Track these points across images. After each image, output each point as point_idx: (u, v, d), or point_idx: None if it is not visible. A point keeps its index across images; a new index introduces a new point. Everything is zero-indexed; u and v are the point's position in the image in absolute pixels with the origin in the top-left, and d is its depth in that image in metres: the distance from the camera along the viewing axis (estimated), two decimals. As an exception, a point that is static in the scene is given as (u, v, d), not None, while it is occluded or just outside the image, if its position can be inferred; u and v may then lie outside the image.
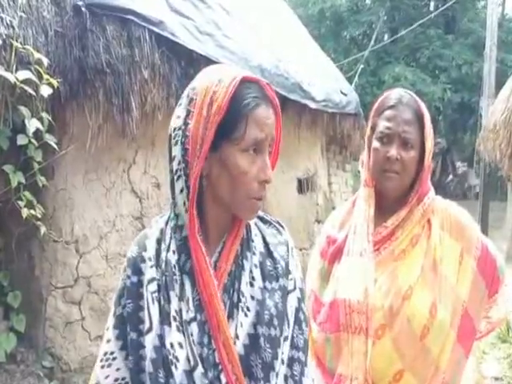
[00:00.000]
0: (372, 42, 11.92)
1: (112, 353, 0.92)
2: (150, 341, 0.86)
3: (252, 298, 0.88)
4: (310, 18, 13.04)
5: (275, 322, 0.88)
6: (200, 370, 0.83)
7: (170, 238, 0.91)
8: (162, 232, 0.93)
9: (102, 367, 0.93)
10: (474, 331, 1.34)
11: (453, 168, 16.81)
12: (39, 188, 2.58)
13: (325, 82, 5.13)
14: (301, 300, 0.95)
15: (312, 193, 5.39)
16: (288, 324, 0.90)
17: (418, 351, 1.23)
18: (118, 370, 0.92)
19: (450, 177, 16.51)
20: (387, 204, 1.31)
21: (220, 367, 0.85)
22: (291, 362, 0.91)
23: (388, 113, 1.29)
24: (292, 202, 4.97)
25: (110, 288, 3.04)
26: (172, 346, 0.84)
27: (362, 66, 11.20)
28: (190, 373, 0.83)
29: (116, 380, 0.92)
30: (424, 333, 1.22)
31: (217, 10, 3.76)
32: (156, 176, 3.32)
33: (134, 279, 0.92)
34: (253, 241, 0.93)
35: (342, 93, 5.36)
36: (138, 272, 0.92)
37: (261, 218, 0.99)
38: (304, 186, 5.27)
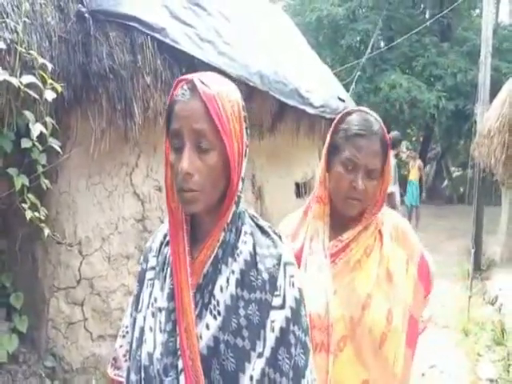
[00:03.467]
0: (368, 50, 12.02)
1: (126, 326, 1.04)
2: (138, 321, 0.96)
3: (224, 302, 0.88)
4: (307, 27, 13.12)
5: (244, 333, 0.86)
6: (157, 354, 0.89)
7: None
8: None
9: (120, 336, 1.06)
10: (417, 333, 1.39)
11: (447, 173, 16.93)
12: (43, 191, 2.61)
13: (322, 88, 5.20)
14: (291, 321, 0.89)
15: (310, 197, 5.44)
16: (264, 340, 0.87)
17: (378, 360, 1.24)
18: (129, 342, 1.02)
19: (445, 182, 16.62)
20: (341, 219, 1.34)
21: (179, 353, 0.86)
22: None
23: (357, 141, 1.27)
24: (290, 206, 5.00)
25: (112, 289, 3.07)
26: (147, 328, 0.93)
27: (358, 74, 11.29)
28: (151, 355, 0.90)
29: (127, 351, 1.03)
30: (382, 340, 1.24)
31: (217, 18, 3.82)
32: (158, 179, 3.36)
33: (144, 266, 1.02)
34: (238, 247, 0.91)
35: (339, 99, 5.43)
36: (146, 260, 1.02)
37: (260, 228, 0.96)
38: (302, 190, 5.33)
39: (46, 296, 2.84)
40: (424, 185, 10.39)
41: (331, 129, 1.36)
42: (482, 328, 4.44)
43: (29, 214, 2.45)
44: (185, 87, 0.89)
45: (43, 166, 2.55)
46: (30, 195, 2.50)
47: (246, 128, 0.93)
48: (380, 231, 1.35)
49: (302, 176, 5.32)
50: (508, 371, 3.70)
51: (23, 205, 2.45)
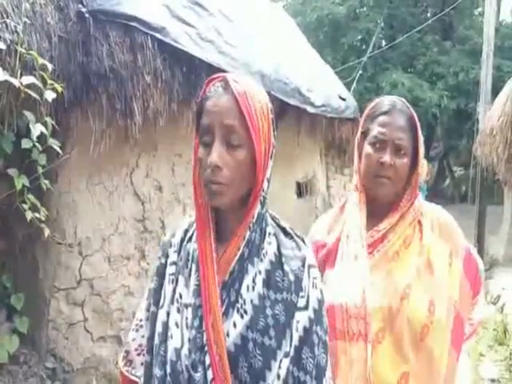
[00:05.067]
0: (370, 49, 12.00)
1: (141, 320, 1.05)
2: (160, 316, 0.95)
3: (251, 302, 0.90)
4: (308, 26, 13.12)
5: (271, 332, 0.88)
6: (185, 350, 0.89)
7: (194, 229, 1.00)
8: (190, 224, 1.03)
9: (133, 330, 1.06)
10: (463, 334, 1.34)
11: (450, 172, 16.90)
12: (43, 191, 2.60)
13: (323, 87, 5.19)
14: (315, 322, 0.91)
15: (311, 196, 5.44)
16: (291, 340, 0.89)
17: (420, 352, 1.21)
18: (142, 336, 1.03)
19: (447, 181, 16.59)
20: (378, 208, 1.31)
21: (206, 349, 0.87)
22: (296, 383, 0.89)
23: (382, 118, 1.28)
24: (291, 206, 5.01)
25: (112, 290, 3.07)
26: (172, 324, 0.93)
27: (360, 72, 11.27)
28: (178, 351, 0.90)
29: (140, 345, 1.04)
30: (424, 332, 1.21)
31: (218, 17, 3.81)
32: (158, 179, 3.36)
33: (163, 260, 1.02)
34: (263, 248, 0.93)
35: (340, 98, 5.43)
36: (166, 255, 1.02)
37: (283, 230, 0.99)
38: (303, 189, 5.32)
39: (47, 297, 2.84)
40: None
41: (362, 118, 1.37)
42: (484, 328, 4.42)
43: (29, 215, 2.44)
44: (217, 84, 0.92)
45: (43, 166, 2.54)
46: (30, 196, 2.49)
47: (274, 130, 0.95)
48: (420, 221, 1.31)
49: (303, 175, 5.31)
50: (510, 371, 3.69)
51: (23, 205, 2.45)
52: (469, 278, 1.35)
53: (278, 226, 0.99)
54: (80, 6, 2.73)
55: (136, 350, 1.05)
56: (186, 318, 0.92)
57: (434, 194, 14.37)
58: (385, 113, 1.29)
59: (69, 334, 2.91)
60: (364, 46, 14.05)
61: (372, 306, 1.21)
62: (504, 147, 5.61)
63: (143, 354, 1.00)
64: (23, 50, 2.36)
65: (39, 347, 2.83)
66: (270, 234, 0.95)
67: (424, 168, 9.76)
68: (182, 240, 1.01)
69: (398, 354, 1.21)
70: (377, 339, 1.21)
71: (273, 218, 1.00)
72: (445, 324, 1.25)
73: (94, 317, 3.00)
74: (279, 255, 0.94)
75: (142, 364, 1.01)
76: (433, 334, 1.22)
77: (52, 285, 2.86)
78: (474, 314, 1.39)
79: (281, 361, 0.87)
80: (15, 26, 2.37)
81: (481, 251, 6.73)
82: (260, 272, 0.91)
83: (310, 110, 4.55)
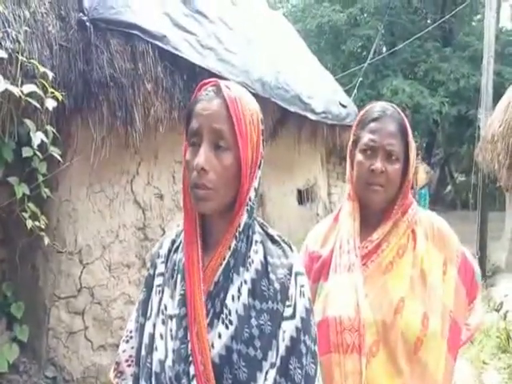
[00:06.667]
0: (370, 56, 12.02)
1: (131, 331, 1.04)
2: (147, 328, 0.95)
3: (236, 312, 0.88)
4: (308, 33, 13.16)
5: (256, 343, 0.86)
6: (169, 362, 0.88)
7: (181, 239, 0.98)
8: (177, 234, 1.02)
9: (123, 341, 1.05)
10: (460, 340, 1.34)
11: (451, 179, 16.88)
12: (43, 199, 2.60)
13: (324, 94, 5.20)
14: (302, 331, 0.89)
15: (312, 203, 5.43)
16: (277, 351, 0.87)
17: (414, 365, 1.20)
18: (132, 347, 1.02)
19: (449, 187, 16.57)
20: (371, 217, 1.30)
21: (190, 359, 0.86)
22: None
23: (372, 125, 1.27)
24: (292, 213, 5.00)
25: (112, 298, 3.05)
26: (157, 336, 0.92)
27: (360, 79, 11.27)
28: (162, 363, 0.89)
29: (130, 356, 1.03)
30: (417, 345, 1.20)
31: (218, 25, 3.83)
32: (159, 187, 3.35)
33: (151, 272, 1.01)
34: (249, 257, 0.91)
35: (341, 105, 5.44)
36: (154, 266, 1.01)
37: (271, 237, 0.97)
38: (304, 196, 5.32)
39: (47, 305, 2.83)
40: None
41: (354, 124, 1.36)
42: (487, 335, 4.38)
43: (29, 223, 2.44)
44: (209, 88, 0.92)
45: (44, 174, 2.54)
46: (30, 204, 2.48)
47: (263, 140, 0.94)
48: (413, 230, 1.29)
49: (304, 182, 5.31)
50: (514, 379, 3.65)
51: (24, 214, 2.44)
52: (464, 284, 1.34)
53: (266, 233, 0.97)
54: (81, 14, 2.74)
55: (126, 361, 1.04)
56: (171, 330, 0.90)
57: (435, 200, 14.38)
58: (375, 119, 1.28)
59: (69, 343, 2.89)
60: (364, 53, 14.09)
61: (366, 320, 1.20)
62: (505, 153, 5.59)
63: (133, 366, 1.00)
64: (24, 59, 2.37)
65: (39, 356, 2.82)
66: (256, 242, 0.94)
67: (422, 173, 9.71)
68: (170, 250, 1.00)
69: (392, 367, 1.20)
70: (371, 352, 1.20)
71: (261, 226, 0.98)
72: (439, 335, 1.24)
73: (94, 325, 2.99)
74: (265, 264, 0.92)
75: (131, 375, 1.00)
76: (426, 346, 1.21)
77: (52, 293, 2.85)
78: (470, 319, 1.38)
79: (267, 372, 0.85)
80: (16, 35, 2.38)
81: (483, 258, 6.69)
82: (245, 281, 0.89)
83: (311, 116, 4.56)
